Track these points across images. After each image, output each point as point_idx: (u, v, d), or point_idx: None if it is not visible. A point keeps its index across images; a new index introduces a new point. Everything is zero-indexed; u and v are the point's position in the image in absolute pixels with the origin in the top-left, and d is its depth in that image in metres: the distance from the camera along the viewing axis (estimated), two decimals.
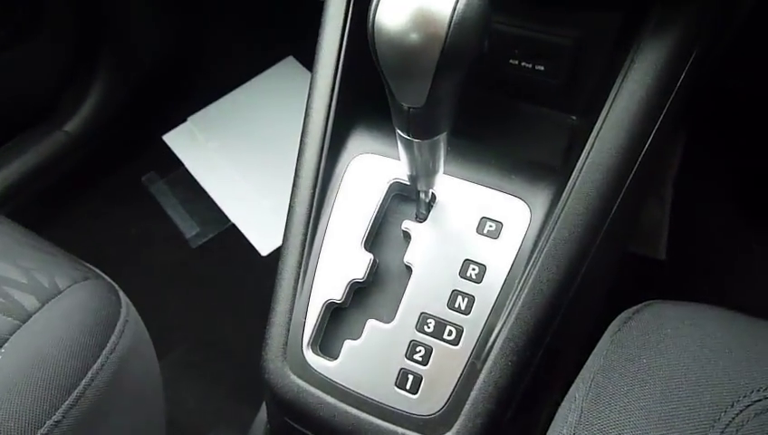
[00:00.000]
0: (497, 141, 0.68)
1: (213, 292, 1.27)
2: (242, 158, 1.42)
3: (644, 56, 0.58)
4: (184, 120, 1.49)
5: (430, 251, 0.57)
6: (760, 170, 1.23)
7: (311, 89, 0.62)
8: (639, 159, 0.60)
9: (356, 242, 0.59)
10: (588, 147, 0.58)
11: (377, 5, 0.41)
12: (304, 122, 0.62)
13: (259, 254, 1.29)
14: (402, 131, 0.48)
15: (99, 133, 1.42)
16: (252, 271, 1.29)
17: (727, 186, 1.26)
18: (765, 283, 1.16)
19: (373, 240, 0.60)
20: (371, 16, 0.41)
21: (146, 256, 1.32)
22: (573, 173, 0.57)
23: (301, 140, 0.62)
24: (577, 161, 0.59)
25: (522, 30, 0.68)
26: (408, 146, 0.49)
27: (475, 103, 0.73)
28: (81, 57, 1.39)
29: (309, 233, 0.60)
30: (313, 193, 0.60)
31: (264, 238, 1.30)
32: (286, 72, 1.53)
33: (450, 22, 0.39)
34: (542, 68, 0.70)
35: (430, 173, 0.53)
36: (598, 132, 0.59)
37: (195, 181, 1.39)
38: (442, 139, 0.49)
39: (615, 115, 0.59)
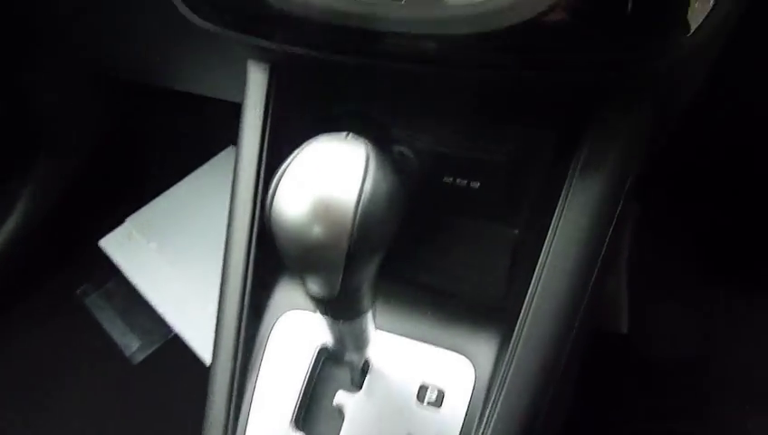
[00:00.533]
0: (434, 276, 0.63)
1: (156, 412, 1.17)
2: (184, 259, 1.34)
3: (588, 166, 0.54)
4: (122, 222, 1.41)
5: (367, 428, 0.51)
6: (716, 230, 1.23)
7: (226, 244, 0.56)
8: (592, 282, 0.56)
9: (285, 419, 0.53)
10: (534, 281, 0.54)
11: (273, 193, 0.36)
12: (222, 280, 0.56)
13: (205, 365, 1.21)
14: (321, 313, 0.42)
15: (26, 243, 1.33)
16: (198, 383, 1.20)
17: (684, 247, 1.25)
18: (727, 350, 1.14)
19: (304, 416, 0.54)
20: (268, 205, 0.37)
21: (83, 376, 1.22)
22: (520, 316, 0.52)
23: (219, 299, 0.57)
24: (524, 299, 0.54)
25: (454, 148, 0.65)
26: (331, 323, 0.44)
27: (408, 226, 0.69)
28: (5, 161, 1.31)
29: (232, 408, 0.53)
30: (235, 363, 0.54)
31: (211, 347, 1.22)
32: (228, 162, 1.48)
33: (356, 211, 0.35)
34: (478, 184, 0.67)
35: (359, 348, 0.48)
36: (545, 260, 0.54)
37: (134, 289, 1.31)
38: (368, 316, 0.44)
39: (561, 238, 0.55)
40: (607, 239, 0.56)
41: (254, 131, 0.55)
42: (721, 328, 1.16)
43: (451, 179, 0.67)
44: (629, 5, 0.38)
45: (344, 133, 0.37)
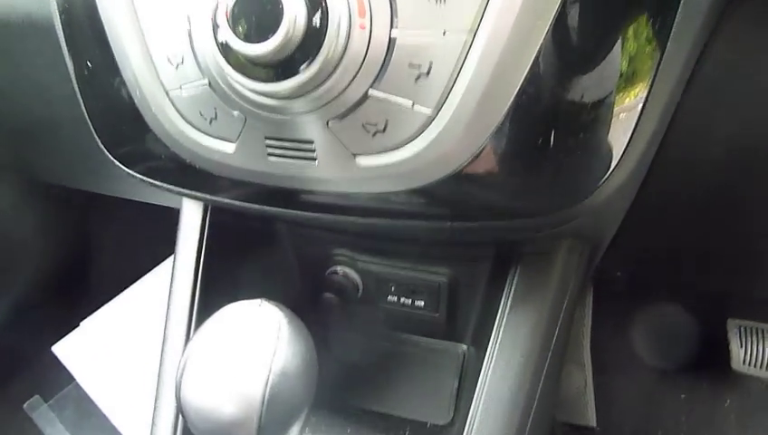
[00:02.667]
0: (381, 400, 0.62)
1: None
2: (141, 365, 1.30)
3: (524, 281, 0.54)
4: (76, 326, 1.37)
5: None
6: (673, 314, 1.23)
7: (159, 367, 0.55)
8: (540, 387, 0.54)
9: None
10: (477, 394, 0.53)
11: (182, 373, 0.35)
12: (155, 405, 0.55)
13: None
14: None
15: None
16: None
17: (644, 335, 1.25)
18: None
19: None
20: (177, 384, 0.35)
21: None
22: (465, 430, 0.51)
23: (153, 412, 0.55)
24: (467, 419, 0.53)
25: (395, 269, 0.66)
26: None
27: (353, 350, 0.68)
28: None
29: None
30: None
31: None
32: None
33: (265, 389, 0.34)
34: (422, 303, 0.67)
35: None
36: (487, 371, 0.53)
37: (88, 399, 1.25)
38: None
39: (503, 352, 0.54)
40: (551, 345, 0.55)
41: (188, 270, 0.55)
42: (688, 417, 1.14)
43: (395, 299, 0.67)
44: (539, 158, 0.39)
45: (257, 301, 0.37)
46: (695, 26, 0.39)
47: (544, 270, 0.52)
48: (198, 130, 0.42)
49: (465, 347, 0.69)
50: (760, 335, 1.10)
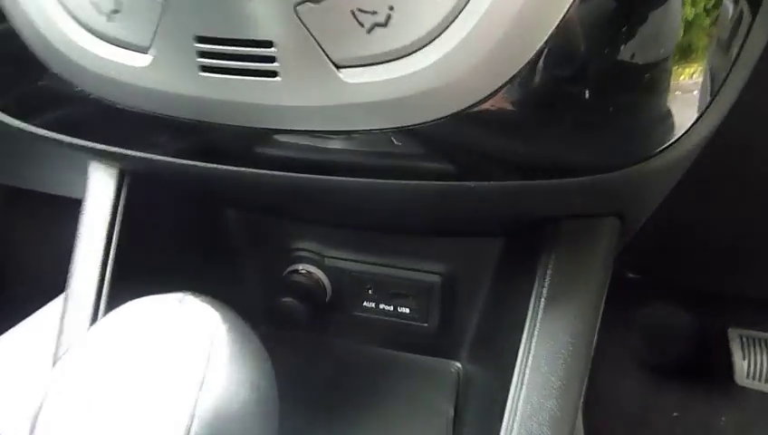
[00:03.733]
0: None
1: None
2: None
3: (555, 288, 0.40)
4: None
5: None
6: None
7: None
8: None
9: None
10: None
11: (35, 419, 0.20)
12: None
13: None
14: None
15: None
16: None
17: (641, 341, 1.16)
18: None
19: None
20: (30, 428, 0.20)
21: None
22: None
23: None
24: None
25: (375, 266, 0.51)
26: None
27: (322, 365, 0.53)
28: None
29: None
30: None
31: None
32: None
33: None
34: (407, 310, 0.53)
35: None
36: (515, 409, 0.39)
37: None
38: None
39: (532, 383, 0.40)
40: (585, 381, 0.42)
41: (94, 253, 0.39)
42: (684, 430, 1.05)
43: (373, 305, 0.53)
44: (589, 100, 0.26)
45: (178, 295, 0.22)
46: None
47: (584, 259, 0.39)
48: (91, 32, 0.27)
49: (458, 365, 0.55)
50: (762, 346, 1.01)
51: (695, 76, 0.29)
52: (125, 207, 0.41)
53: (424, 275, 0.50)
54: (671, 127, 0.29)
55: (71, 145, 0.35)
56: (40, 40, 0.29)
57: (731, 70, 0.29)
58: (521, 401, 0.36)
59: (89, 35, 0.27)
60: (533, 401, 0.36)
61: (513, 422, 0.35)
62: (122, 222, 0.40)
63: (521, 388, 0.36)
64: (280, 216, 0.49)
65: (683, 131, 0.30)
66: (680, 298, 1.03)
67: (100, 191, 0.41)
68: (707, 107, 0.30)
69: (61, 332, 0.40)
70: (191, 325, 0.21)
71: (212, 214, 0.49)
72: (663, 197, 0.46)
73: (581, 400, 0.40)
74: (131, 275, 0.40)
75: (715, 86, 0.29)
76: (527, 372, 0.36)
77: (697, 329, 1.04)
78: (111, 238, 0.40)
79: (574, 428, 0.38)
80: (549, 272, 0.38)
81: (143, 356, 0.20)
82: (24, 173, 1.04)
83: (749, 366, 1.00)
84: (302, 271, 0.52)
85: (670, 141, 0.30)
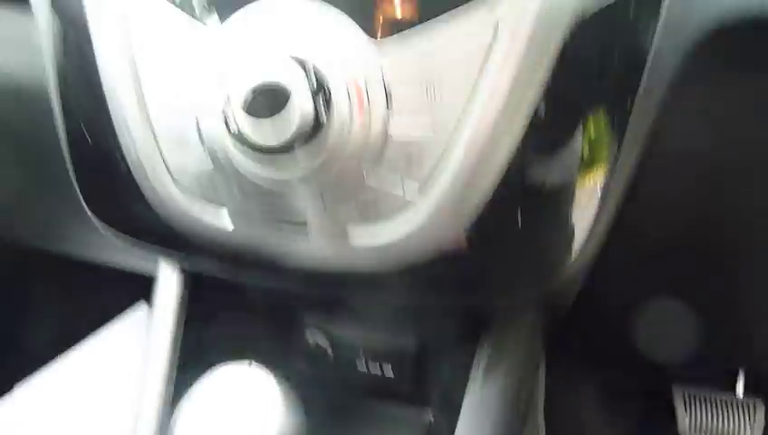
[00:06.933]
0: None
1: None
2: None
3: (494, 348, 0.57)
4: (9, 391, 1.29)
5: None
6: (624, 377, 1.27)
7: None
8: None
9: None
10: None
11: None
12: None
13: None
14: None
15: None
16: None
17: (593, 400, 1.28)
18: None
19: None
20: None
21: None
22: None
23: None
24: None
25: (366, 337, 0.67)
26: None
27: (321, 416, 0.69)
28: None
29: None
30: None
31: None
32: (138, 322, 1.42)
33: None
34: (390, 366, 0.68)
35: None
36: None
37: None
38: None
39: (473, 420, 0.57)
40: (519, 412, 0.58)
41: (166, 336, 0.55)
42: None
43: (364, 366, 0.69)
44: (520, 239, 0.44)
45: (245, 364, 0.38)
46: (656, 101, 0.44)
47: (513, 337, 0.56)
48: (195, 200, 0.44)
49: (431, 415, 0.71)
50: (705, 403, 1.14)
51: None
52: (188, 293, 0.57)
53: (404, 346, 0.66)
54: (574, 240, 0.46)
55: (144, 247, 0.52)
56: (156, 198, 0.46)
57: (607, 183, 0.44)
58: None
59: (192, 201, 0.44)
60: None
61: None
62: (186, 308, 0.57)
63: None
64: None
65: (583, 240, 0.46)
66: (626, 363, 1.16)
67: (168, 283, 0.58)
68: (595, 219, 0.45)
69: (140, 400, 0.55)
70: (259, 384, 0.37)
71: (244, 296, 0.65)
72: (578, 288, 0.62)
73: None
74: (194, 350, 0.56)
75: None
76: (466, 420, 0.52)
77: (643, 389, 1.16)
78: (180, 319, 0.56)
79: None
80: (485, 349, 0.54)
81: (232, 404, 0.37)
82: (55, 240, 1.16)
83: (690, 421, 1.13)
84: (310, 336, 0.69)
85: (574, 254, 0.46)
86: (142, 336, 1.46)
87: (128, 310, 1.42)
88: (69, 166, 0.50)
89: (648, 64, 0.43)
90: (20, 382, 1.29)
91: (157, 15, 0.42)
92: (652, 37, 0.42)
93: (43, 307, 1.39)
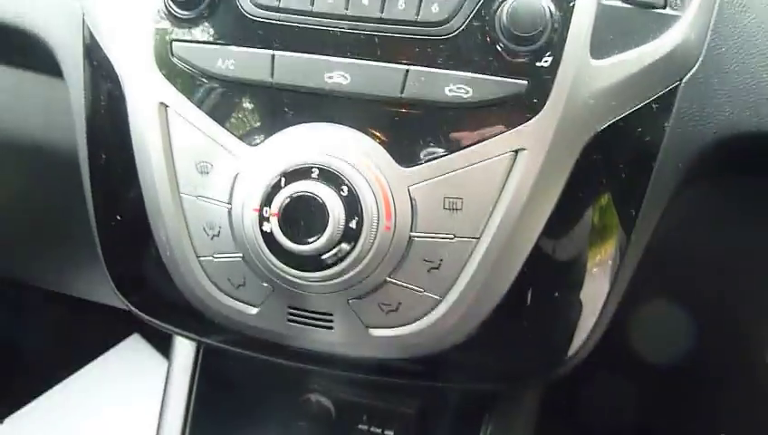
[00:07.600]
0: None
1: None
2: None
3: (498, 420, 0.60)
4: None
5: None
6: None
7: None
8: None
9: None
10: None
11: None
12: None
13: None
14: None
15: None
16: None
17: None
18: None
19: None
20: None
21: None
22: None
23: None
24: None
25: (368, 399, 0.70)
26: None
27: None
28: None
29: None
30: None
31: None
32: (130, 352, 1.42)
33: None
34: (392, 433, 0.70)
35: None
36: None
37: None
38: None
39: None
40: None
41: (178, 408, 0.57)
42: None
43: (366, 428, 0.71)
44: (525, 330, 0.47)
45: None
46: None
47: (516, 410, 0.59)
48: (224, 292, 0.46)
49: None
50: None
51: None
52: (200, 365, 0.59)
53: (404, 408, 0.69)
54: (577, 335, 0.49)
55: (182, 335, 0.54)
56: (186, 287, 0.48)
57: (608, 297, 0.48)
58: None
59: (221, 293, 0.47)
60: None
61: None
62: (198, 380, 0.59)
63: None
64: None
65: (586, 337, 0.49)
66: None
67: (182, 358, 0.60)
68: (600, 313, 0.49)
69: None
70: None
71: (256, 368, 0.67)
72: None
73: None
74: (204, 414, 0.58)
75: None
76: None
77: None
78: (192, 392, 0.58)
79: None
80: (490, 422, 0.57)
81: None
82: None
83: None
84: (313, 399, 0.70)
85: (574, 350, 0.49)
86: (135, 367, 1.46)
87: (122, 342, 1.42)
88: (96, 241, 0.51)
89: (654, 175, 0.46)
90: (10, 415, 1.28)
91: (193, 112, 0.44)
92: (657, 151, 0.45)
93: (37, 338, 1.39)
